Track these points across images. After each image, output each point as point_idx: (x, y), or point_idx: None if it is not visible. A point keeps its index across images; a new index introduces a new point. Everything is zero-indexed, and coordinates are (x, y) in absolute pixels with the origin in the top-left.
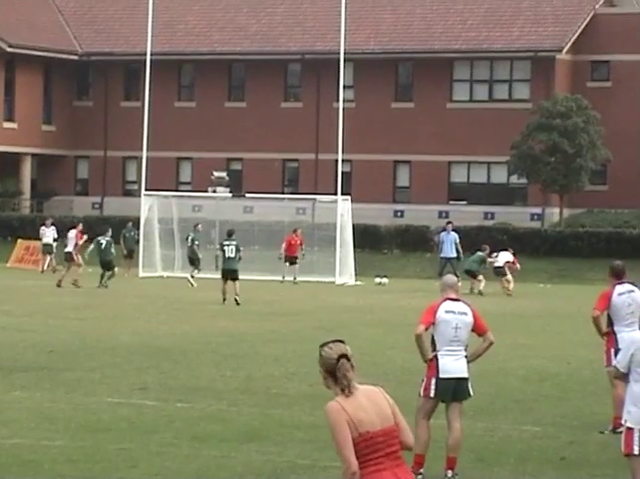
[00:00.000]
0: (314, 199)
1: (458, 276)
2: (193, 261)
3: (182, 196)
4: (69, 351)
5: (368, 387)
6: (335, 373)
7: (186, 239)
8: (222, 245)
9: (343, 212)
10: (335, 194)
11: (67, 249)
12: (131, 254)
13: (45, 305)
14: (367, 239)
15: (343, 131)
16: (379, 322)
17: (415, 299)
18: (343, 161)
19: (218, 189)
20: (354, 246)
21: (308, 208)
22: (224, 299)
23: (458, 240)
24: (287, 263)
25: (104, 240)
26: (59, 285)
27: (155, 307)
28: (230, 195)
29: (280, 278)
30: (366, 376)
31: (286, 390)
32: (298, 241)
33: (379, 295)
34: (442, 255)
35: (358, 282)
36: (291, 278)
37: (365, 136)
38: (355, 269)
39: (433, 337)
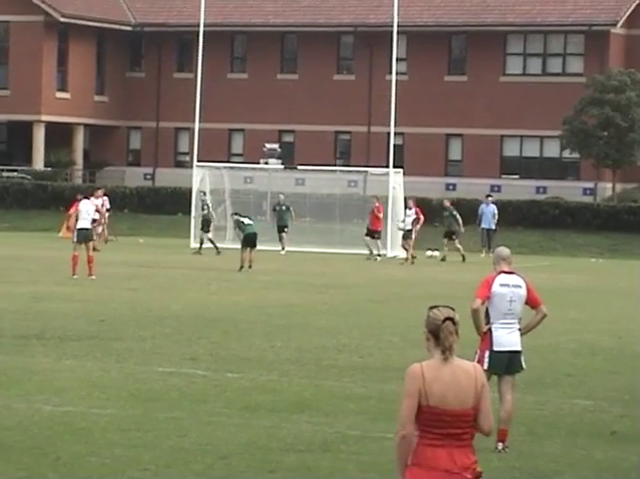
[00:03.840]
0: (366, 171)
1: (490, 248)
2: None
3: (234, 167)
4: (120, 321)
5: (463, 363)
6: (438, 335)
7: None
8: (238, 214)
9: (395, 184)
10: (387, 166)
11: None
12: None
13: (96, 275)
14: None
15: (395, 104)
16: (430, 295)
17: (466, 273)
18: (395, 134)
19: (270, 160)
20: None
21: (360, 180)
22: (242, 267)
23: (496, 212)
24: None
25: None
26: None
27: (205, 278)
28: (282, 167)
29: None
30: (418, 348)
31: (337, 362)
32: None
33: (430, 268)
34: (482, 227)
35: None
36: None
37: (417, 109)
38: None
39: (487, 310)
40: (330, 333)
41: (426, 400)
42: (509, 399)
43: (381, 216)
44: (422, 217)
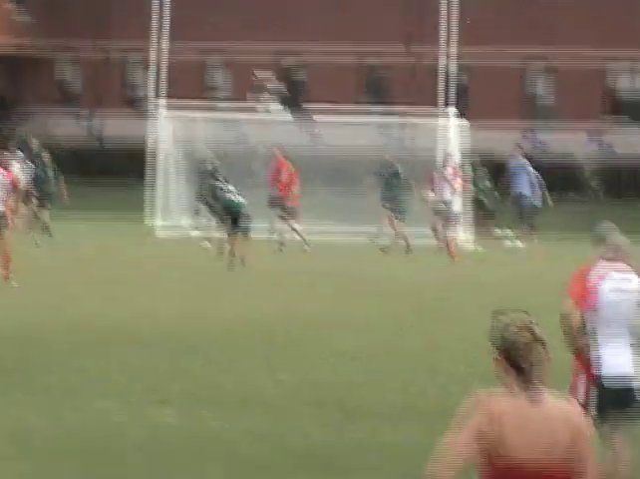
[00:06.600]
0: (408, 114)
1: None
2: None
3: (211, 107)
4: (49, 344)
5: (557, 402)
6: (516, 357)
7: None
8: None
9: (452, 134)
10: (439, 106)
11: None
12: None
13: (16, 281)
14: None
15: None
16: (505, 304)
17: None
18: (451, 57)
19: (264, 98)
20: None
21: (398, 127)
22: (231, 263)
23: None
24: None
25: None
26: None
27: (177, 278)
28: (281, 108)
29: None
30: (490, 383)
31: (370, 403)
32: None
33: (502, 264)
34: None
35: (478, 247)
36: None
37: (487, 21)
38: (474, 223)
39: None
40: (360, 361)
41: (498, 452)
42: (626, 456)
43: (288, 178)
44: (459, 185)
